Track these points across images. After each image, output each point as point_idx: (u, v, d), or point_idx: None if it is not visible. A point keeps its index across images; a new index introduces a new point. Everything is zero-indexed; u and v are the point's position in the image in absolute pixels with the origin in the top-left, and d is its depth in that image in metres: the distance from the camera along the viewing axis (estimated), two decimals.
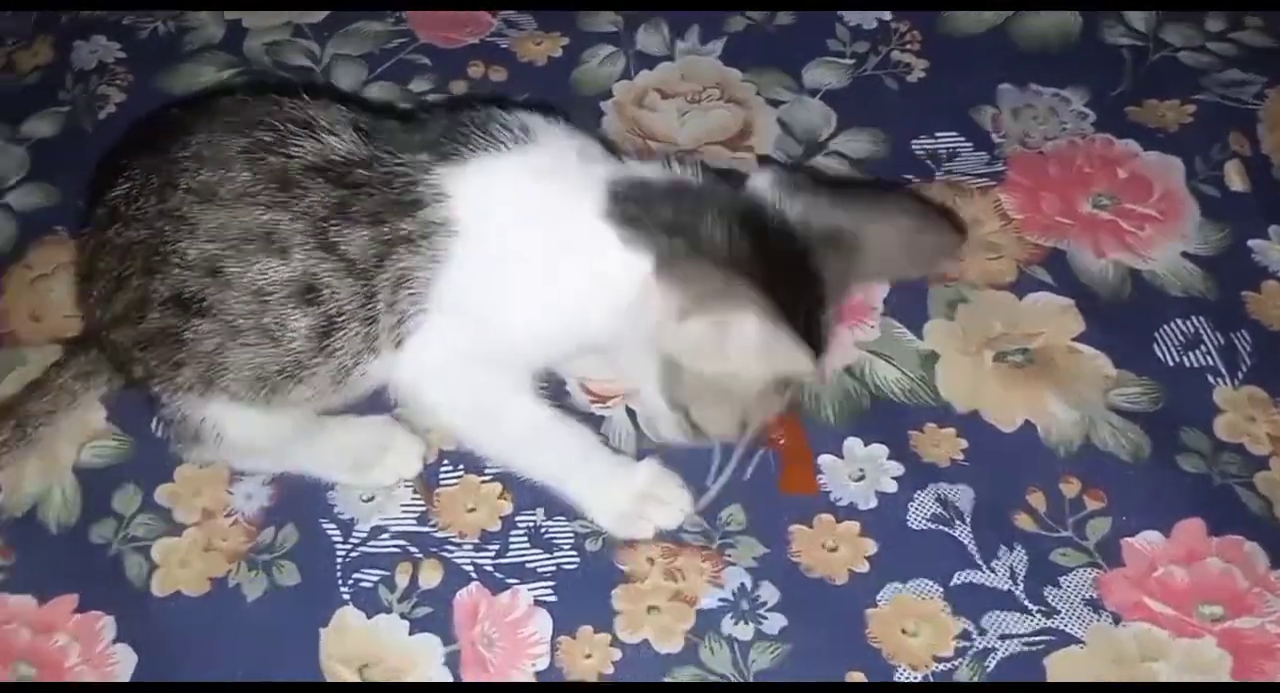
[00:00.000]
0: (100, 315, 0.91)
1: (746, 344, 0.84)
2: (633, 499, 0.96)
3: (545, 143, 0.89)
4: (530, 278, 0.87)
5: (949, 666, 0.90)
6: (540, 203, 0.87)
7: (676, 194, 0.87)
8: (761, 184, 0.89)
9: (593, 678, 0.90)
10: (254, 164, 0.85)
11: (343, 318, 0.86)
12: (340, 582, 0.95)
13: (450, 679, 0.90)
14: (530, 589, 0.94)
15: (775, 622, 0.92)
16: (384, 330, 0.87)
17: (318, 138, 0.85)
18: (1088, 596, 0.92)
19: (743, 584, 0.94)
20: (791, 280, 0.86)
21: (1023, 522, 0.96)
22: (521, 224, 0.87)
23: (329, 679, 0.91)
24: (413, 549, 0.97)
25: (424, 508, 0.99)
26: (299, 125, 0.86)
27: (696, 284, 0.82)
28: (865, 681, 0.89)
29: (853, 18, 1.32)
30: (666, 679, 0.90)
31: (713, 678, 0.90)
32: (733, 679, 0.90)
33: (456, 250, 0.86)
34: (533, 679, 0.90)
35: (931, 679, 0.89)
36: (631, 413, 1.02)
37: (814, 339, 0.85)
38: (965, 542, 0.95)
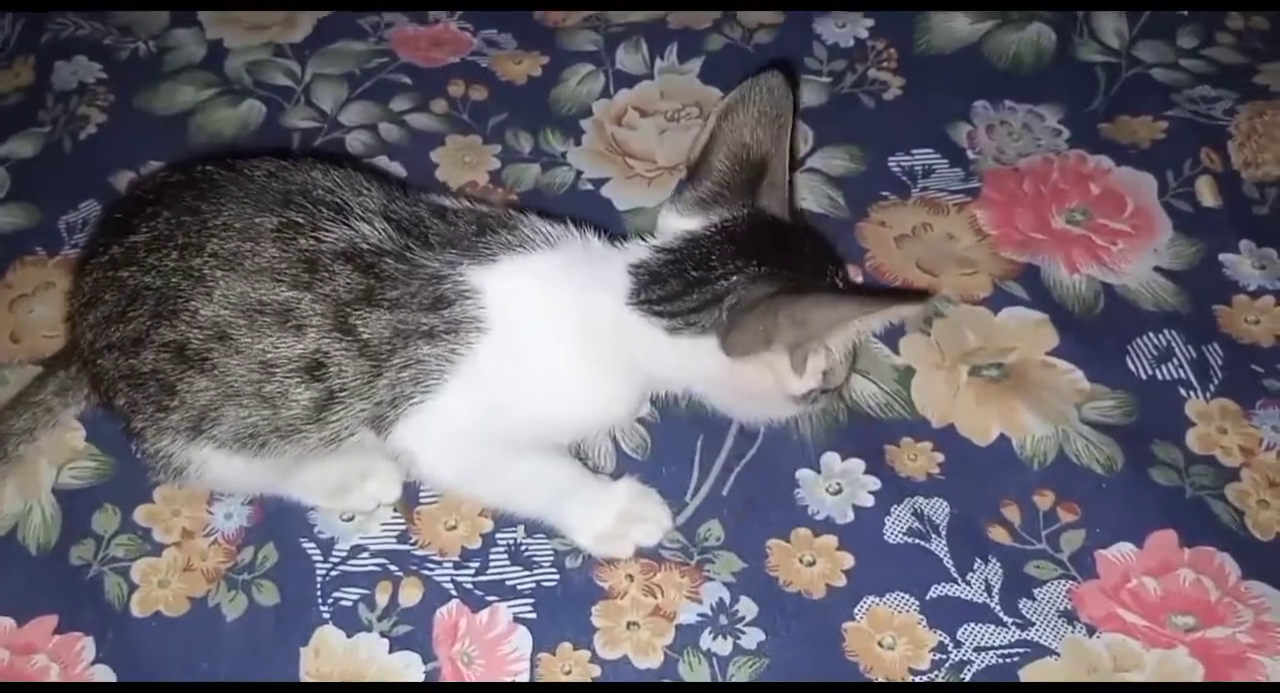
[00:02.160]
0: (92, 338, 0.91)
1: (849, 339, 0.86)
2: (614, 519, 0.97)
3: (569, 244, 0.89)
4: (561, 372, 0.87)
5: (925, 679, 0.90)
6: (571, 300, 0.87)
7: (681, 261, 0.86)
8: (673, 219, 0.89)
9: None
10: (284, 243, 0.85)
11: (344, 394, 0.86)
12: (320, 601, 0.95)
13: None
14: (510, 606, 0.95)
15: (753, 636, 0.93)
16: (382, 408, 0.87)
17: (350, 225, 0.85)
18: (1062, 607, 0.93)
19: (721, 599, 0.94)
20: (809, 252, 0.88)
21: (997, 535, 0.97)
22: (554, 321, 0.87)
23: None
24: (393, 568, 0.97)
25: (404, 526, 0.99)
26: (332, 210, 0.86)
27: (780, 337, 0.82)
28: None
29: (830, 36, 1.33)
30: None
31: None
32: None
33: (483, 346, 0.85)
34: None
35: None
36: None
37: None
38: (941, 555, 0.96)
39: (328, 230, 0.85)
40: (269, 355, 0.85)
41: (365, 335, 0.84)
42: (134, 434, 0.93)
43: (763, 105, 0.88)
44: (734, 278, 0.84)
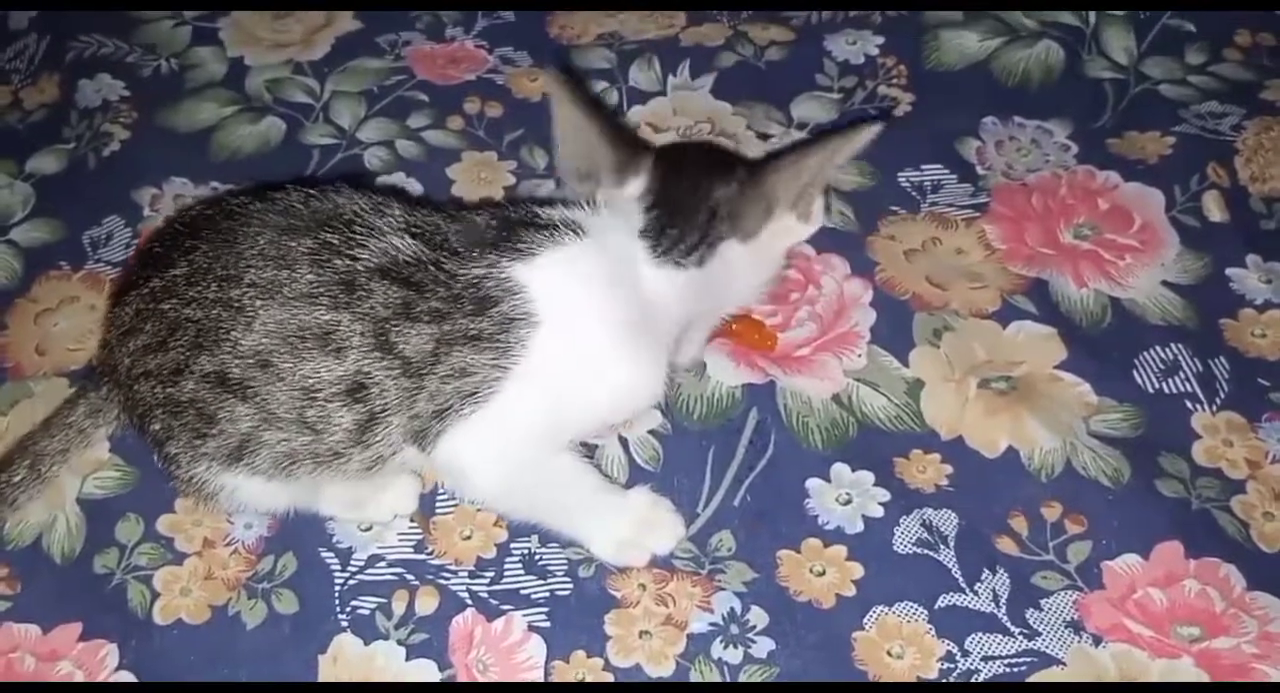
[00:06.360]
0: (129, 366, 0.92)
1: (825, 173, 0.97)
2: (631, 527, 0.99)
3: (591, 226, 0.92)
4: (615, 349, 0.91)
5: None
6: (612, 277, 0.91)
7: (666, 208, 0.94)
8: (619, 194, 0.96)
9: None
10: (319, 266, 0.87)
11: (386, 413, 0.88)
12: (338, 609, 0.97)
13: None
14: (524, 615, 0.96)
15: (764, 645, 0.94)
16: (425, 421, 0.89)
17: (382, 240, 0.88)
18: (1069, 617, 0.94)
19: (732, 609, 0.96)
20: (714, 152, 1.06)
21: (1005, 545, 0.98)
22: (601, 301, 0.90)
23: None
24: (409, 577, 0.98)
25: (420, 536, 1.01)
26: (364, 228, 0.88)
27: (779, 202, 0.95)
28: None
29: (841, 53, 1.35)
30: None
31: None
32: None
33: (536, 340, 0.88)
34: None
35: None
36: (623, 441, 1.05)
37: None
38: (949, 565, 0.97)
39: (362, 248, 0.87)
40: (310, 381, 0.87)
41: (406, 352, 0.86)
42: (167, 460, 0.95)
43: (564, 93, 0.94)
44: (712, 193, 0.94)
